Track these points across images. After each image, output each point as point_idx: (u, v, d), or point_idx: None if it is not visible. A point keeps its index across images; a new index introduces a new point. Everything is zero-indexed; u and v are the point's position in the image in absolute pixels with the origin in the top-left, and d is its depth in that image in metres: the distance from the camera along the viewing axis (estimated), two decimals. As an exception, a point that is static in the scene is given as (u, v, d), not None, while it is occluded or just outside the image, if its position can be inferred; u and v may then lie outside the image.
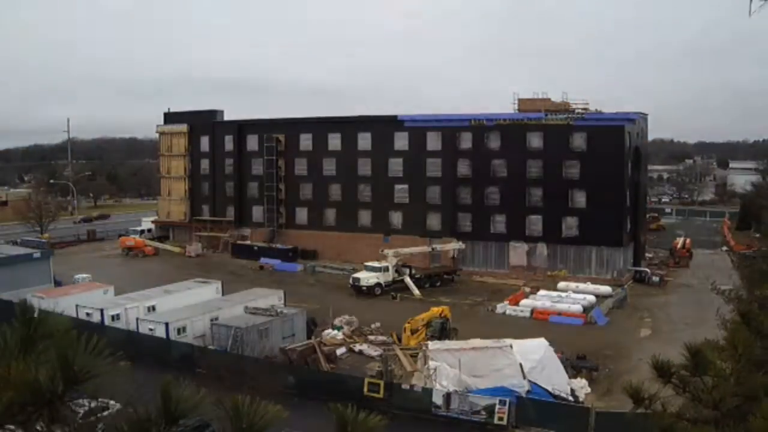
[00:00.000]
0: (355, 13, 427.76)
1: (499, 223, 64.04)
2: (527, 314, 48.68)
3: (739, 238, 77.49)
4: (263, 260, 68.56)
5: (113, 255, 75.76)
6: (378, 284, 55.81)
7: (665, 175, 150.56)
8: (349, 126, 71.18)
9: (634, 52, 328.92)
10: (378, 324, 44.76)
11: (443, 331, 41.16)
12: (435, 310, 43.55)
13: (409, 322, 41.47)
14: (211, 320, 40.40)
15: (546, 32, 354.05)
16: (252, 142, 76.68)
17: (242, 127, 77.72)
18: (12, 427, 2.18)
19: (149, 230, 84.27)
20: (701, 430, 3.65)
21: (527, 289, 54.87)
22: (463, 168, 65.67)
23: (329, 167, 72.35)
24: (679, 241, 73.25)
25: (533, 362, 32.81)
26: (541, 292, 52.94)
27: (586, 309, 48.55)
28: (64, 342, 2.27)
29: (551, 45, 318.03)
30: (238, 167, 77.53)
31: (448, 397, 30.79)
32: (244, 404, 2.14)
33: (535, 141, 62.46)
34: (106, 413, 3.65)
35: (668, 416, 3.68)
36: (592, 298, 50.85)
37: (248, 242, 74.45)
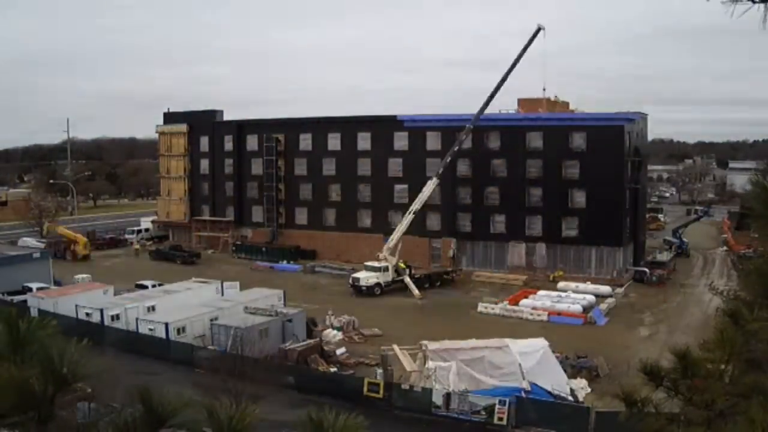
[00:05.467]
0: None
1: (498, 223, 63.95)
2: (527, 314, 48.53)
3: (739, 238, 77.38)
4: (256, 263, 68.48)
5: (112, 255, 75.67)
6: (378, 284, 55.74)
7: (665, 175, 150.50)
8: (348, 126, 71.11)
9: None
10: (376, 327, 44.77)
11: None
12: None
13: None
14: (211, 320, 40.38)
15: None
16: (252, 142, 76.65)
17: (242, 127, 77.69)
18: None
19: (147, 230, 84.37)
20: (693, 431, 3.65)
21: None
22: (463, 168, 65.59)
23: (329, 167, 72.28)
24: None
25: (533, 362, 32.77)
26: (541, 292, 52.90)
27: (586, 309, 48.57)
28: (54, 343, 2.26)
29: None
30: (238, 167, 77.49)
31: (447, 397, 30.76)
32: (222, 410, 2.13)
33: (535, 141, 62.38)
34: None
35: (661, 418, 3.69)
36: (591, 298, 50.85)
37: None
